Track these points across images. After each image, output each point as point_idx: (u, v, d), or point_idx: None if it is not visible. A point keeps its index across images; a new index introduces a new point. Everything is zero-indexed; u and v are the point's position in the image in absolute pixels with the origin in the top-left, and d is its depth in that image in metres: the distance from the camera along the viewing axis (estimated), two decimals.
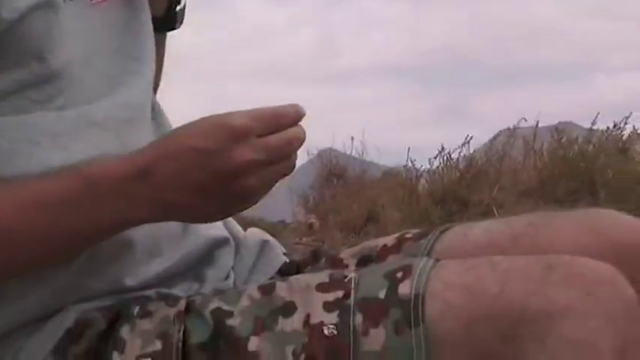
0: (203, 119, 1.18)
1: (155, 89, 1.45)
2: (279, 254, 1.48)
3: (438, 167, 7.06)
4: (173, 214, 1.21)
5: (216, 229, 1.42)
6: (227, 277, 1.40)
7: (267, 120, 1.17)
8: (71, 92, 1.23)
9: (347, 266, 1.40)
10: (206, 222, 1.27)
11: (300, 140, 1.20)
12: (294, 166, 1.21)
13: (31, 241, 1.19)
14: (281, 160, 1.19)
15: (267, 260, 1.45)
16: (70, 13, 1.26)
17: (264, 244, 1.47)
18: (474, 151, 7.00)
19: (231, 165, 1.15)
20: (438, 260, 1.22)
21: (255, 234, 1.50)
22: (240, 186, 1.16)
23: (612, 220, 1.35)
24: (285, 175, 1.20)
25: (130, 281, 1.29)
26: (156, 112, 1.39)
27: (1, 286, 1.23)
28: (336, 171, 7.60)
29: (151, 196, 1.16)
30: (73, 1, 1.26)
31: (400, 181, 7.20)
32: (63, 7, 1.24)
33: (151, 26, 1.39)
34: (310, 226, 7.09)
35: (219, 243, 1.41)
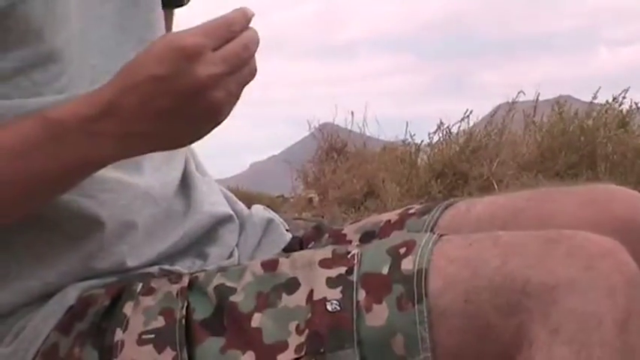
0: (153, 43, 1.17)
1: None
2: (283, 233, 1.49)
3: (437, 141, 7.15)
4: (142, 146, 1.20)
5: (219, 205, 1.43)
6: (231, 255, 1.40)
7: (218, 32, 1.16)
8: (73, 72, 1.25)
9: (350, 242, 1.41)
10: (181, 146, 1.25)
11: (255, 42, 1.18)
12: (255, 71, 1.19)
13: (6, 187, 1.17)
14: (242, 67, 1.17)
15: (272, 239, 1.45)
16: None
17: (269, 222, 1.47)
18: (474, 124, 7.06)
19: (193, 84, 1.13)
20: (441, 235, 1.22)
21: (259, 212, 1.50)
22: (206, 102, 1.15)
23: (613, 195, 1.36)
24: (249, 81, 1.18)
25: (133, 261, 1.31)
26: None
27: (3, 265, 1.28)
28: (336, 146, 7.59)
29: (116, 133, 1.15)
30: None
31: (400, 156, 7.23)
32: None
33: (159, 3, 1.39)
34: (310, 200, 7.20)
35: (223, 220, 1.42)
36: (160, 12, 1.39)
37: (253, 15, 1.19)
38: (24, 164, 1.18)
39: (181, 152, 1.40)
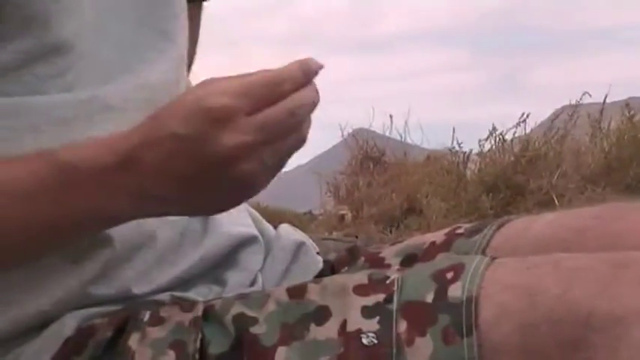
0: (182, 98, 1.14)
1: (189, 67, 1.45)
2: (315, 259, 1.47)
3: (489, 150, 7.04)
4: (160, 210, 1.18)
5: (242, 226, 1.40)
6: (254, 282, 1.38)
7: (259, 91, 1.09)
8: (83, 67, 1.22)
9: (389, 266, 1.38)
10: (205, 215, 1.25)
11: (308, 106, 1.13)
12: (305, 138, 1.15)
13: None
14: (282, 136, 1.13)
15: (302, 265, 1.43)
16: None
17: (300, 246, 1.45)
18: (531, 131, 6.97)
19: (218, 152, 1.09)
20: (493, 258, 1.20)
21: (288, 233, 1.47)
22: (234, 174, 1.10)
23: None
24: (294, 151, 1.14)
25: (141, 287, 1.27)
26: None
27: None
28: (372, 154, 7.55)
29: (132, 190, 1.12)
30: None
31: (446, 166, 7.18)
32: None
33: None
34: (342, 217, 7.20)
35: (245, 242, 1.38)
36: (182, 4, 1.34)
37: (319, 69, 1.11)
38: (33, 213, 1.12)
39: None
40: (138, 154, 1.12)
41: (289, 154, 1.18)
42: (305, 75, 1.12)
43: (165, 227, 1.30)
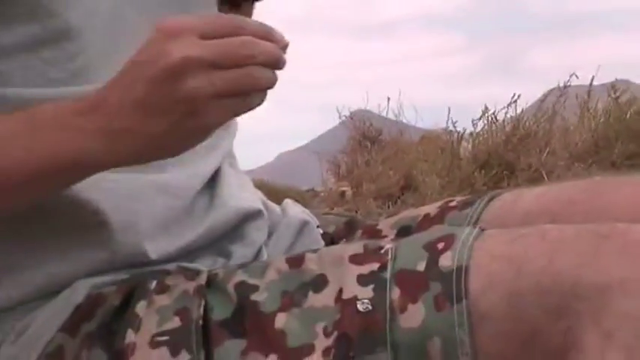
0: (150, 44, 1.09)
1: None
2: (318, 238, 1.47)
3: (482, 129, 7.10)
4: (122, 145, 1.12)
5: (248, 201, 1.41)
6: (257, 255, 1.38)
7: (213, 22, 1.09)
8: (95, 53, 1.22)
9: (385, 237, 1.40)
10: (162, 153, 1.16)
11: (265, 52, 1.08)
12: (265, 89, 1.08)
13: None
14: (233, 65, 1.08)
15: (306, 244, 1.43)
16: None
17: (304, 225, 1.45)
18: (522, 111, 7.03)
19: (166, 64, 1.07)
20: (483, 230, 1.21)
21: (293, 211, 1.47)
22: (182, 92, 1.07)
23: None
24: (254, 99, 1.07)
25: (147, 255, 1.29)
26: None
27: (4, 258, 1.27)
28: (370, 134, 7.60)
29: (101, 125, 1.10)
30: None
31: (440, 145, 7.25)
32: None
33: None
34: (342, 194, 7.17)
35: (250, 216, 1.40)
36: None
37: (284, 44, 1.09)
38: (1, 154, 1.18)
39: (220, 148, 1.38)
40: (104, 95, 1.11)
41: (242, 92, 1.10)
42: (267, 33, 1.08)
43: (167, 200, 1.28)
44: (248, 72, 1.09)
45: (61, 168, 1.17)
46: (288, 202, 1.51)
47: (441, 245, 1.18)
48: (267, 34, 1.10)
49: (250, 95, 1.13)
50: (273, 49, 1.11)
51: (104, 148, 1.13)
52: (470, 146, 6.86)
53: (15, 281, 1.27)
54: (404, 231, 1.41)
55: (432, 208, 1.44)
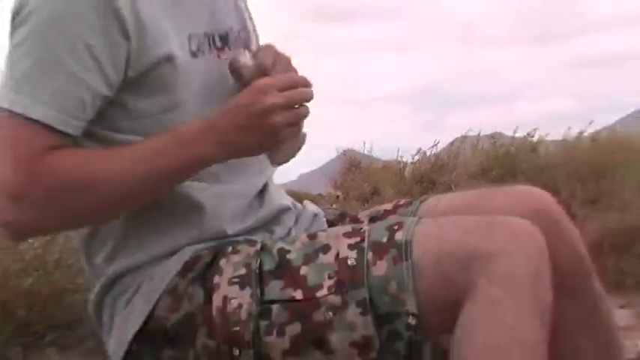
0: (239, 96, 1.32)
1: None
2: (324, 224, 1.56)
3: (417, 160, 7.84)
4: (230, 150, 1.32)
5: (283, 199, 1.52)
6: (288, 233, 1.48)
7: (283, 79, 1.31)
8: (192, 117, 1.35)
9: (362, 222, 1.51)
10: (254, 154, 1.36)
11: (308, 93, 1.31)
12: (308, 112, 1.32)
13: (118, 192, 1.31)
14: (296, 104, 1.30)
15: (317, 227, 1.54)
16: (196, 65, 1.37)
17: (315, 216, 1.56)
18: (440, 150, 7.91)
19: (261, 108, 1.27)
20: (420, 219, 1.33)
21: (309, 207, 1.58)
22: (269, 123, 1.28)
23: (530, 193, 1.49)
24: (304, 117, 1.33)
25: (227, 232, 1.42)
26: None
27: (128, 229, 1.38)
28: (354, 163, 8.50)
29: (215, 138, 1.30)
30: (204, 57, 1.39)
31: (394, 170, 7.96)
32: (189, 60, 1.35)
33: None
34: (337, 197, 7.84)
35: (284, 210, 1.51)
36: None
37: (312, 94, 1.34)
38: (145, 167, 1.30)
39: (268, 170, 1.50)
40: (219, 118, 1.30)
41: (299, 119, 1.32)
42: (307, 83, 1.31)
43: (236, 200, 1.43)
44: (303, 110, 1.30)
45: (192, 164, 1.31)
46: (306, 202, 1.59)
47: (396, 227, 1.30)
48: (308, 83, 1.29)
49: (301, 123, 1.32)
50: (311, 93, 1.30)
51: (215, 151, 1.29)
52: (411, 170, 7.58)
53: (145, 250, 1.39)
54: (373, 219, 1.51)
55: (389, 206, 1.55)
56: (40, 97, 1.25)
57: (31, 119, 1.25)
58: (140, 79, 1.31)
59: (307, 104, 1.32)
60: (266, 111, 1.28)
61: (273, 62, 1.35)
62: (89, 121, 1.30)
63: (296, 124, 1.31)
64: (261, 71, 1.33)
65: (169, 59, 1.32)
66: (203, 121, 1.30)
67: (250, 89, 1.29)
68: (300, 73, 1.40)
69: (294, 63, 1.46)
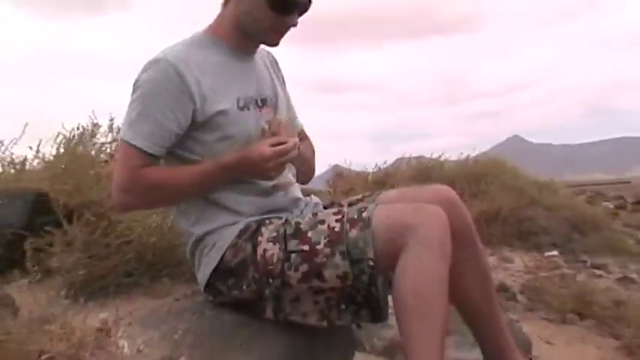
0: (253, 148, 1.50)
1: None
2: (321, 207, 1.74)
3: (375, 171, 7.90)
4: (242, 176, 1.56)
5: (298, 194, 1.68)
6: (301, 213, 1.66)
7: (278, 146, 1.47)
8: (239, 144, 1.53)
9: (344, 206, 1.67)
10: (258, 179, 1.57)
11: (290, 150, 1.46)
12: (290, 160, 1.49)
13: (173, 195, 1.57)
14: (282, 157, 1.46)
15: (317, 209, 1.73)
16: (241, 117, 1.54)
17: (317, 204, 1.71)
18: (388, 165, 8.02)
19: (264, 160, 1.48)
20: (377, 205, 1.48)
21: (313, 198, 1.75)
22: (265, 166, 1.47)
23: (440, 189, 1.65)
24: (287, 162, 1.50)
25: (270, 208, 1.60)
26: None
27: (200, 211, 1.62)
28: (339, 172, 8.72)
29: (237, 173, 1.53)
30: (249, 111, 1.56)
31: (363, 176, 8.05)
32: (236, 113, 1.53)
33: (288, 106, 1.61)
34: (329, 192, 7.72)
35: (299, 200, 1.67)
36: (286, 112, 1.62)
37: (298, 147, 1.47)
38: (195, 181, 1.56)
39: (293, 179, 1.65)
40: (240, 161, 1.50)
41: (283, 166, 1.51)
42: (295, 144, 1.44)
43: (272, 195, 1.63)
44: (288, 159, 1.44)
45: (220, 184, 1.57)
46: (312, 195, 1.77)
47: (363, 209, 1.45)
48: (294, 145, 1.41)
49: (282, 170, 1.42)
50: (294, 148, 1.45)
51: (234, 177, 1.53)
52: (372, 177, 7.51)
53: (216, 221, 1.56)
54: (350, 204, 1.67)
55: (360, 197, 1.72)
56: (140, 134, 1.45)
57: (134, 146, 1.45)
58: (205, 123, 1.48)
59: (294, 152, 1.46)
60: (264, 159, 1.49)
61: (279, 128, 1.53)
62: (170, 147, 1.49)
63: (282, 168, 1.51)
64: (274, 133, 1.52)
65: (222, 112, 1.48)
66: (233, 158, 1.49)
67: (261, 152, 1.50)
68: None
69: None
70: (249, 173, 1.49)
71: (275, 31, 1.51)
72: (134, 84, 1.45)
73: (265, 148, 1.46)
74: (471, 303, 1.58)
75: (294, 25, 1.50)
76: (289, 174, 1.57)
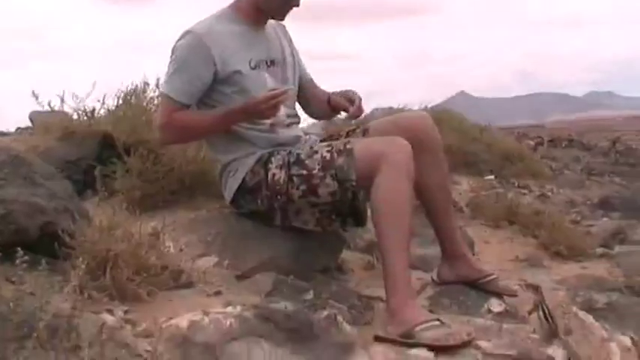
0: (252, 97, 1.41)
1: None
2: (318, 142, 1.65)
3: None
4: (239, 120, 1.49)
5: (299, 132, 1.62)
6: (302, 146, 1.57)
7: (270, 92, 1.38)
8: (247, 93, 1.46)
9: (341, 136, 1.65)
10: (257, 119, 1.49)
11: (278, 96, 1.41)
12: (278, 105, 1.42)
13: (197, 132, 1.56)
14: (272, 100, 1.42)
15: (314, 143, 1.64)
16: (253, 74, 1.47)
17: (315, 140, 1.65)
18: (367, 114, 5.72)
19: (256, 101, 1.42)
20: (358, 138, 1.47)
21: (312, 136, 1.71)
22: (260, 108, 1.41)
23: (412, 118, 1.60)
24: (277, 105, 1.44)
25: (278, 142, 1.55)
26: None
27: (217, 145, 1.58)
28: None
29: (241, 116, 1.49)
30: (259, 69, 1.49)
31: (348, 123, 6.30)
32: (249, 72, 1.47)
33: (294, 77, 1.58)
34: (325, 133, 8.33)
35: (300, 137, 1.62)
36: (294, 82, 1.58)
37: (286, 96, 1.39)
38: (211, 123, 1.55)
39: (297, 123, 1.61)
40: (242, 106, 1.46)
41: (276, 109, 1.44)
42: (282, 92, 1.40)
43: (280, 134, 1.58)
44: (278, 102, 1.41)
45: (228, 126, 1.53)
46: (310, 135, 1.75)
47: (347, 142, 1.46)
48: (284, 91, 1.38)
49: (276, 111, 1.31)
50: (285, 96, 1.40)
51: (243, 118, 1.47)
52: (354, 122, 5.09)
53: (239, 152, 1.52)
54: (348, 134, 1.65)
55: (353, 127, 1.67)
56: (175, 86, 1.43)
57: (169, 96, 1.45)
58: (225, 80, 1.44)
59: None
60: (260, 111, 1.46)
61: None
62: (200, 97, 1.47)
63: (274, 112, 1.45)
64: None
65: (238, 72, 1.43)
66: (238, 105, 1.44)
67: (257, 98, 1.46)
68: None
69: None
70: (250, 114, 1.45)
71: (282, 10, 1.52)
72: (172, 49, 1.46)
73: (260, 95, 1.41)
74: (432, 198, 1.52)
75: (297, 5, 1.51)
76: (283, 116, 1.57)
